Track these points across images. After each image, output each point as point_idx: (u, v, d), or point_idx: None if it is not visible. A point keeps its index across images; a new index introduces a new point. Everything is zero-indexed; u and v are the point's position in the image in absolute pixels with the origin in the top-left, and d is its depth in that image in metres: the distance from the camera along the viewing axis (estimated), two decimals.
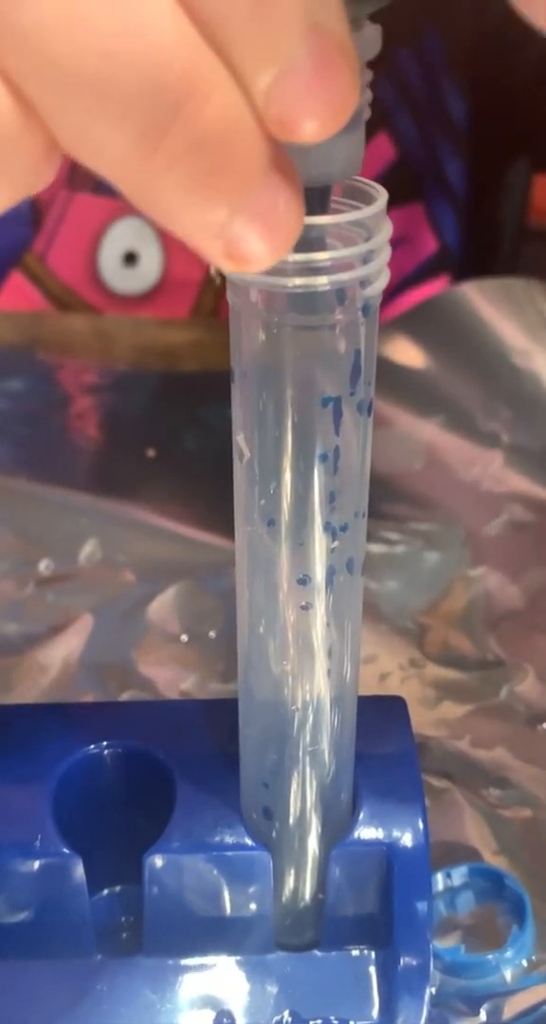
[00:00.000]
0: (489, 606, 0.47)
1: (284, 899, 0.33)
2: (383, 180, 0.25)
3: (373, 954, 0.33)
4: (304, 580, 0.28)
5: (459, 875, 0.36)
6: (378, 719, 0.34)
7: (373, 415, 0.27)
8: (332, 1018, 0.32)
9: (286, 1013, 0.32)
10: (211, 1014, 0.32)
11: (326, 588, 0.28)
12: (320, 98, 0.19)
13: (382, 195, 0.25)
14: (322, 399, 0.26)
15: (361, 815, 0.32)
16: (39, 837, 0.32)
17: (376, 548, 0.49)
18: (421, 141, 0.62)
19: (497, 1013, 0.33)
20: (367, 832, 0.32)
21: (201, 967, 0.33)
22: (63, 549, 0.49)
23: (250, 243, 0.20)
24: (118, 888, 0.35)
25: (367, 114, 0.24)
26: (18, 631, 0.46)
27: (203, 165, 0.19)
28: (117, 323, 0.62)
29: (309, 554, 0.27)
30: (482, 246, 0.65)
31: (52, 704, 0.40)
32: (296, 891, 0.33)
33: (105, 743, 0.34)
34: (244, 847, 0.32)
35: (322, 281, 0.24)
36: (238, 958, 0.33)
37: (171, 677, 0.44)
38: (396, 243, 0.25)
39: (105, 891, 0.35)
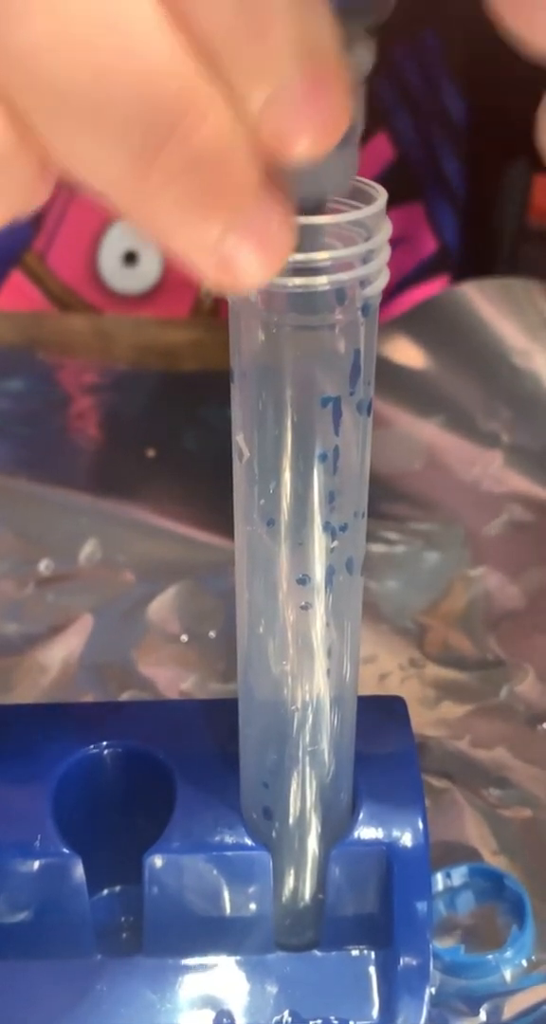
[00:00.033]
0: (489, 606, 0.47)
1: (284, 899, 0.33)
2: (382, 180, 0.25)
3: (373, 954, 0.33)
4: (304, 580, 0.28)
5: (459, 875, 0.36)
6: (378, 719, 0.34)
7: (373, 415, 0.27)
8: (332, 1018, 0.32)
9: (286, 1013, 0.32)
10: (211, 1014, 0.32)
11: (326, 588, 0.28)
12: (312, 118, 0.19)
13: (382, 195, 0.25)
14: (322, 399, 0.26)
15: (361, 815, 0.32)
16: (39, 837, 0.32)
17: (376, 548, 0.49)
18: (420, 141, 0.62)
19: (497, 1013, 0.33)
20: (367, 832, 0.32)
21: (201, 967, 0.33)
22: (63, 549, 0.49)
23: (243, 260, 0.20)
24: (118, 888, 0.35)
25: (361, 130, 0.24)
26: (18, 631, 0.46)
27: (197, 184, 0.19)
28: (117, 323, 0.62)
29: (308, 554, 0.27)
30: (482, 246, 0.65)
31: (52, 704, 0.41)
32: (296, 891, 0.33)
33: (105, 743, 0.34)
34: (244, 847, 0.32)
35: (322, 281, 0.24)
36: (238, 958, 0.33)
37: (171, 677, 0.44)
38: (395, 243, 0.25)
39: (105, 891, 0.35)
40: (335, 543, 0.28)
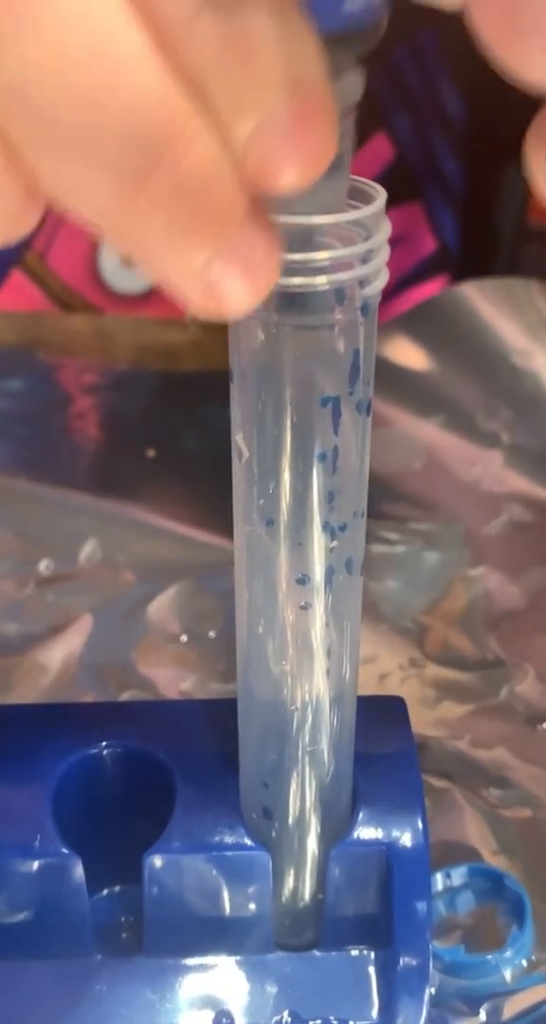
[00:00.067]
0: (489, 606, 0.47)
1: (284, 899, 0.33)
2: (381, 180, 0.25)
3: (373, 954, 0.33)
4: (303, 580, 0.28)
5: (459, 875, 0.36)
6: (378, 719, 0.34)
7: (372, 415, 0.27)
8: (332, 1018, 0.32)
9: (285, 1013, 0.32)
10: (211, 1014, 0.32)
11: (325, 588, 0.28)
12: (298, 149, 0.19)
13: (381, 194, 0.25)
14: (321, 399, 0.26)
15: (361, 815, 0.32)
16: (39, 837, 0.32)
17: (376, 548, 0.49)
18: (419, 141, 0.62)
19: (497, 1013, 0.33)
20: (367, 832, 0.32)
21: (201, 967, 0.33)
22: (63, 549, 0.49)
23: (229, 286, 0.20)
24: (118, 888, 0.35)
25: (350, 158, 0.24)
26: (18, 631, 0.46)
27: (184, 210, 0.19)
28: (117, 323, 0.62)
29: (308, 554, 0.27)
30: (481, 246, 0.65)
31: (52, 704, 0.41)
32: (296, 891, 0.33)
33: (105, 743, 0.34)
34: (244, 847, 0.32)
35: (321, 281, 0.24)
36: (238, 958, 0.33)
37: (171, 677, 0.44)
38: (394, 243, 0.25)
39: (105, 891, 0.35)
40: (334, 543, 0.28)
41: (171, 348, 0.61)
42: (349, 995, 0.32)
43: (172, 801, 0.32)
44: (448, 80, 0.61)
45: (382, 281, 0.25)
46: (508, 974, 0.34)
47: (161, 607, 0.47)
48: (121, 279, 0.61)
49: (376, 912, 0.32)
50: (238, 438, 0.27)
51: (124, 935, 0.34)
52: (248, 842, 0.32)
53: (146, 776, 0.33)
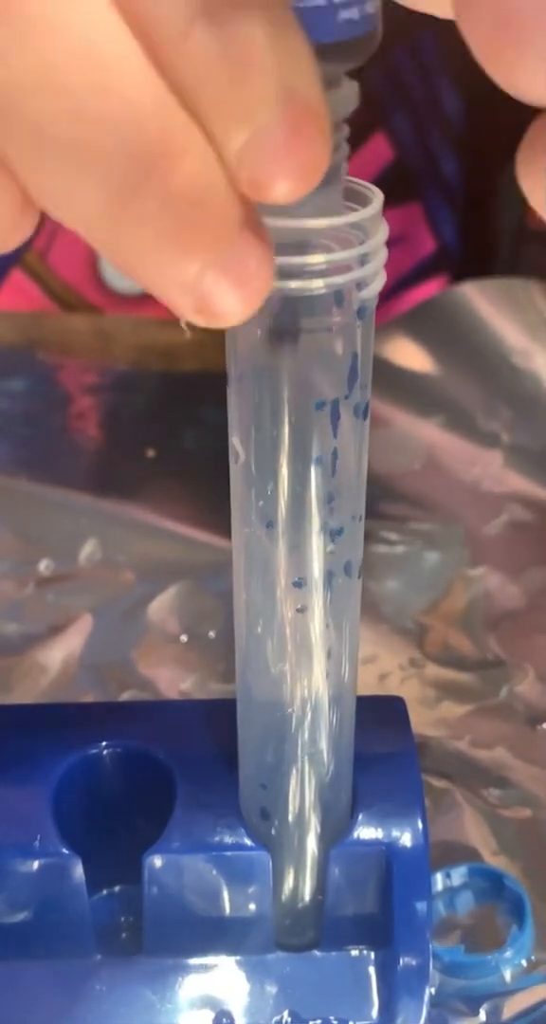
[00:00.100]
0: (489, 606, 0.47)
1: (283, 899, 0.33)
2: (380, 180, 0.25)
3: (373, 954, 0.33)
4: (300, 583, 0.28)
5: (459, 875, 0.36)
6: (378, 719, 0.34)
7: (370, 418, 0.27)
8: (332, 1018, 0.32)
9: (285, 1013, 0.32)
10: (211, 1014, 0.32)
11: (324, 591, 0.28)
12: (291, 161, 0.19)
13: (378, 196, 0.25)
14: (318, 402, 0.26)
15: (360, 815, 0.32)
16: (39, 837, 0.32)
17: (376, 548, 0.49)
18: (418, 141, 0.62)
19: (497, 1013, 0.33)
20: (367, 832, 0.32)
21: (201, 967, 0.33)
22: (63, 549, 0.49)
23: (221, 298, 0.20)
24: (118, 888, 0.35)
25: (344, 169, 0.24)
26: (18, 631, 0.46)
27: (175, 222, 0.19)
28: (117, 323, 0.62)
29: (304, 557, 0.27)
30: (481, 246, 0.65)
31: (52, 704, 0.41)
32: (295, 891, 0.33)
33: (105, 743, 0.34)
34: (244, 847, 0.32)
35: (318, 284, 0.24)
36: (238, 958, 0.33)
37: (171, 677, 0.44)
38: (394, 243, 0.25)
39: (105, 891, 0.35)
40: (331, 547, 0.28)
41: (171, 348, 0.61)
42: (349, 995, 0.32)
43: (172, 801, 0.32)
44: (447, 80, 0.61)
45: (379, 284, 0.25)
46: (508, 974, 0.34)
47: (161, 607, 0.47)
48: (121, 279, 0.61)
49: (376, 912, 0.32)
50: (234, 440, 0.27)
51: (124, 935, 0.34)
52: (248, 842, 0.32)
53: (146, 776, 0.33)
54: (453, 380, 0.59)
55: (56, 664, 0.44)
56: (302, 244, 0.24)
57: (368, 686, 0.43)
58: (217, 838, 0.32)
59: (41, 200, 0.19)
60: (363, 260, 0.25)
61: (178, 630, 0.46)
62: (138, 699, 0.43)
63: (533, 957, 0.35)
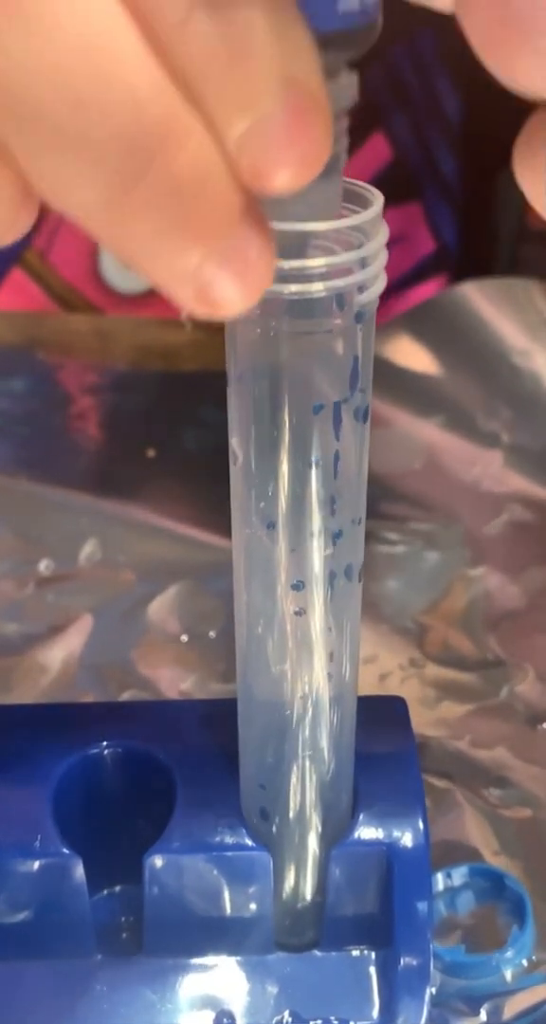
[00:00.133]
0: (489, 606, 0.47)
1: (284, 899, 0.33)
2: (380, 180, 0.25)
3: (373, 954, 0.33)
4: (298, 586, 0.28)
5: (459, 875, 0.36)
6: (378, 719, 0.34)
7: (370, 421, 0.27)
8: (332, 1018, 0.32)
9: (286, 1013, 0.32)
10: (211, 1014, 0.32)
11: (324, 593, 0.28)
12: (292, 150, 0.18)
13: (378, 199, 0.25)
14: (317, 405, 0.26)
15: (361, 815, 0.32)
16: (39, 837, 0.32)
17: (376, 548, 0.49)
18: (417, 141, 0.62)
19: (497, 1013, 0.33)
20: (367, 832, 0.32)
21: (201, 967, 0.33)
22: (63, 549, 0.49)
23: (221, 288, 0.20)
24: (118, 888, 0.35)
25: (344, 160, 0.24)
26: (18, 631, 0.46)
27: (176, 212, 0.19)
28: (117, 323, 0.62)
29: (303, 560, 0.27)
30: (480, 246, 0.66)
31: (52, 704, 0.41)
32: (296, 891, 0.33)
33: (105, 743, 0.34)
34: (244, 847, 0.32)
35: (318, 287, 0.24)
36: (238, 958, 0.33)
37: (171, 677, 0.44)
38: (393, 243, 0.25)
39: (105, 891, 0.35)
40: (330, 550, 0.27)
41: (171, 348, 0.61)
42: (350, 995, 0.32)
43: (172, 801, 0.32)
44: (447, 80, 0.61)
45: (380, 286, 0.25)
46: (509, 974, 0.34)
47: (161, 607, 0.47)
48: (121, 279, 0.61)
49: (377, 912, 0.32)
50: (233, 441, 0.27)
51: (124, 935, 0.34)
52: (248, 842, 0.32)
53: (146, 776, 0.33)
54: (453, 380, 0.59)
55: (56, 664, 0.44)
56: (302, 246, 0.24)
57: (368, 686, 0.43)
58: (217, 838, 0.32)
59: (41, 188, 0.19)
60: (364, 263, 0.24)
61: (178, 630, 0.46)
62: (138, 699, 0.42)
63: (534, 957, 0.35)
